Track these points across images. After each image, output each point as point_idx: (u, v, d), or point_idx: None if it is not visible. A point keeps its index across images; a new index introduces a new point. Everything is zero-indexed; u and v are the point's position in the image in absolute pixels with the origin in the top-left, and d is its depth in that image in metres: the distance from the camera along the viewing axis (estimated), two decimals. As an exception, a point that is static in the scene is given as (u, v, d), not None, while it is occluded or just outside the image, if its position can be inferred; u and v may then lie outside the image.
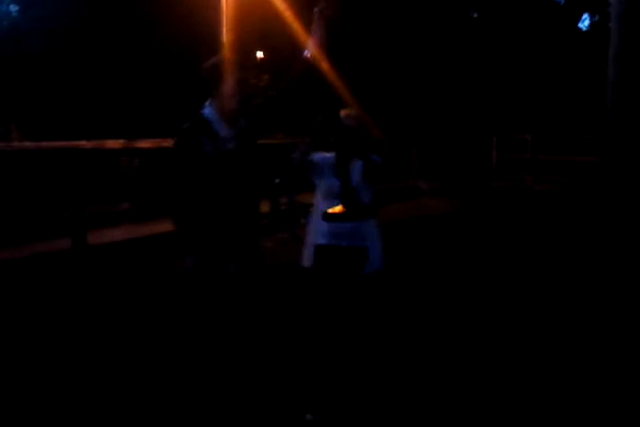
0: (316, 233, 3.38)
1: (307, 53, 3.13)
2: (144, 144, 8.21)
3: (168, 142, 9.55)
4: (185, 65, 13.60)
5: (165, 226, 8.03)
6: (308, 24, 3.25)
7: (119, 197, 8.79)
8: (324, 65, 3.23)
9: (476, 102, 17.41)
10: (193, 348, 3.32)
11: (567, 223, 9.63)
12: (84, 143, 7.45)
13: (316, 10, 3.08)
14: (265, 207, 9.16)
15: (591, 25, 22.06)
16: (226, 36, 9.83)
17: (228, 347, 3.14)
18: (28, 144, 8.79)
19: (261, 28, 14.60)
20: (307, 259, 3.43)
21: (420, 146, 14.32)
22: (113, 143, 7.85)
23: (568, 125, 15.82)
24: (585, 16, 22.09)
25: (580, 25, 22.49)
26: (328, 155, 3.43)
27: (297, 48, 3.22)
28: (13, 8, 19.49)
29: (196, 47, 13.94)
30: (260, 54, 15.81)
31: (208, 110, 3.01)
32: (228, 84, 2.96)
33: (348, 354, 3.36)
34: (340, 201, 3.30)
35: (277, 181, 8.74)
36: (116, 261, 7.07)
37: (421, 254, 7.34)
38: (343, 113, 3.46)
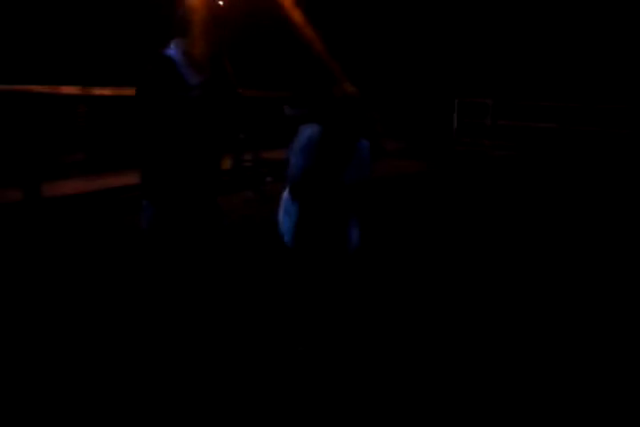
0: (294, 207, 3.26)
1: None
2: (102, 91, 7.73)
3: (128, 90, 9.17)
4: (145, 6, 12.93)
5: (120, 179, 7.80)
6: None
7: (74, 148, 8.31)
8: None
9: (440, 65, 17.23)
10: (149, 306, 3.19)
11: (527, 189, 9.70)
12: (37, 88, 6.93)
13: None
14: (228, 164, 8.88)
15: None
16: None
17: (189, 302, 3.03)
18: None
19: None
20: (287, 234, 3.32)
21: (384, 106, 14.09)
22: (69, 89, 7.34)
23: (528, 92, 15.86)
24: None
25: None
26: (314, 132, 3.17)
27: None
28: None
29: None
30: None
31: (174, 52, 2.74)
32: (207, 24, 2.70)
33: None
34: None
35: (242, 136, 8.43)
36: (69, 214, 6.72)
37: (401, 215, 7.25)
38: (342, 89, 3.21)
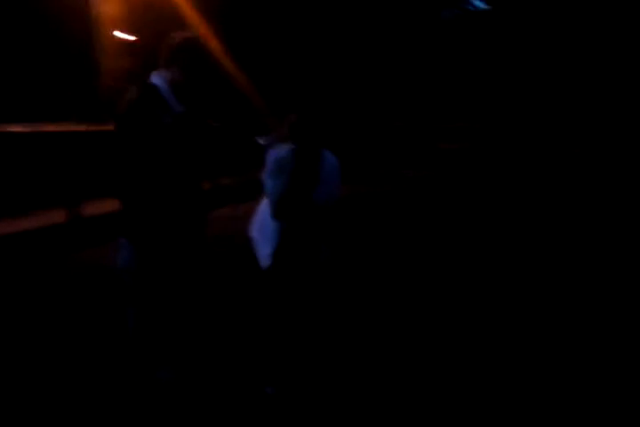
0: (271, 226, 3.27)
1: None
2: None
3: (44, 127, 9.07)
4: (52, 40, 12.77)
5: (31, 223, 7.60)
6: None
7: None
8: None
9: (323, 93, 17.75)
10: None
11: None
12: None
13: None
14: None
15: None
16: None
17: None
18: None
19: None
20: (263, 255, 3.31)
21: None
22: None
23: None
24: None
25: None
26: (283, 153, 3.25)
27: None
28: None
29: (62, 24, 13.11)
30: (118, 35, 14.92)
31: (159, 81, 2.82)
32: (189, 64, 2.84)
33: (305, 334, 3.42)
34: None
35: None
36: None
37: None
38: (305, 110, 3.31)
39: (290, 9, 17.23)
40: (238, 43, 14.43)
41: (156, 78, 2.85)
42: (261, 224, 3.33)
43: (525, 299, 5.18)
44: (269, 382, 3.38)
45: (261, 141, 3.30)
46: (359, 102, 17.19)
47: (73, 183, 8.10)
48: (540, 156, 14.49)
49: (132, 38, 15.25)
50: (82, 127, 9.72)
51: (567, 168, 13.84)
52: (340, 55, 17.78)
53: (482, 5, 21.67)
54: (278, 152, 3.23)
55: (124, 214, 2.80)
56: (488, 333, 4.46)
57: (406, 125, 16.08)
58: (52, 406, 3.28)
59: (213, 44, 12.38)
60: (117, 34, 14.65)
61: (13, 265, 6.06)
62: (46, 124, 9.70)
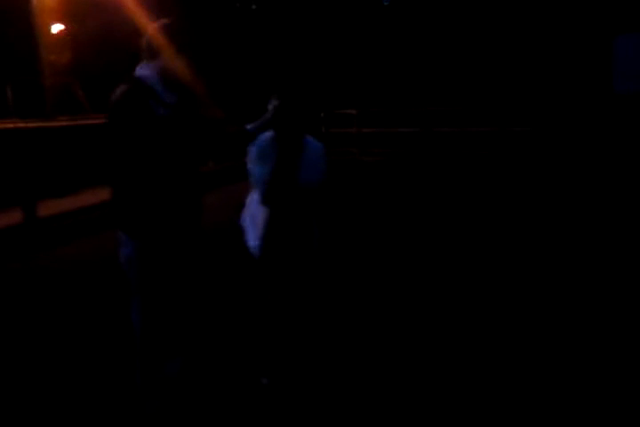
0: (260, 214, 3.28)
1: None
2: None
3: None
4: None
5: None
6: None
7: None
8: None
9: (304, 80, 17.71)
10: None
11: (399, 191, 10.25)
12: None
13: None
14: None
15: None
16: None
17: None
18: None
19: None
20: (253, 244, 3.32)
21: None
22: None
23: (389, 100, 16.68)
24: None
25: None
26: (265, 140, 3.28)
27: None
28: None
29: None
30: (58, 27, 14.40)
31: (147, 73, 2.72)
32: (178, 47, 2.71)
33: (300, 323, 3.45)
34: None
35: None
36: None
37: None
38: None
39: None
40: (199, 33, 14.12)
41: (143, 71, 2.75)
42: (252, 214, 3.37)
43: (507, 290, 5.17)
44: (264, 373, 3.43)
45: (250, 128, 3.23)
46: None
47: (24, 183, 7.72)
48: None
49: (67, 30, 14.69)
50: (23, 124, 9.29)
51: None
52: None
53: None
54: (260, 140, 3.26)
55: (121, 208, 2.73)
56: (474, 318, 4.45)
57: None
58: (57, 397, 3.28)
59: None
60: (56, 26, 14.11)
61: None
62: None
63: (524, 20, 17.34)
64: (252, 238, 3.33)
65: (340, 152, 15.11)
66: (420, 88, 17.29)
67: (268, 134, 3.27)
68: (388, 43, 19.20)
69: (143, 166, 2.65)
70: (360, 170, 13.40)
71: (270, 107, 3.24)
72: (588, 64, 15.83)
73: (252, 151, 3.27)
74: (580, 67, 16.07)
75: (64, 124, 10.21)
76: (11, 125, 9.00)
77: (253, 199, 3.36)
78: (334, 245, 6.44)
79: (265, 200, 3.25)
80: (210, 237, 3.11)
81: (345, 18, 19.36)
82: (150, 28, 2.76)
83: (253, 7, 21.00)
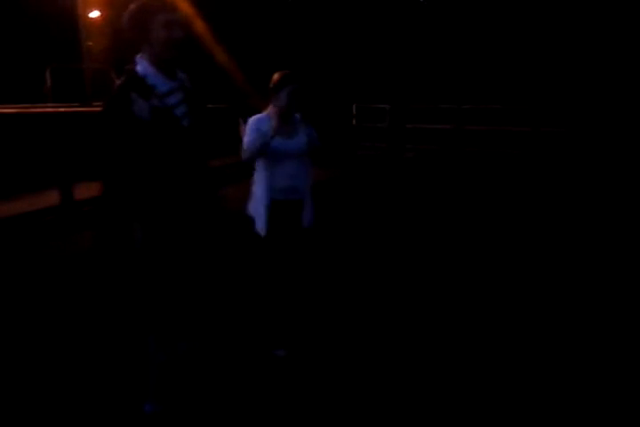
0: (268, 191, 3.50)
1: None
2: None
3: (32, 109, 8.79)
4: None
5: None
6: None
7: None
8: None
9: (336, 71, 17.67)
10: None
11: (437, 186, 10.19)
12: None
13: None
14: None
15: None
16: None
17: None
18: None
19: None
20: (259, 219, 3.54)
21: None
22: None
23: (424, 96, 16.54)
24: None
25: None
26: (262, 116, 3.51)
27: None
28: None
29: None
30: (97, 14, 14.59)
31: (141, 65, 2.69)
32: (158, 29, 2.63)
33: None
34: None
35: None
36: None
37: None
38: (283, 73, 3.49)
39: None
40: (222, 21, 14.18)
41: (140, 61, 2.73)
42: (255, 204, 3.59)
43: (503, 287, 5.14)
44: (279, 345, 3.64)
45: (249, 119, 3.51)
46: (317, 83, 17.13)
47: (62, 166, 7.85)
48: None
49: (105, 17, 14.85)
50: (62, 108, 9.43)
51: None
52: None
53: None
54: (255, 117, 3.52)
55: (123, 196, 2.76)
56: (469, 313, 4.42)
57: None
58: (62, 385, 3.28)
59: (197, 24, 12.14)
60: (95, 13, 14.29)
61: None
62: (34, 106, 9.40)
63: (565, 21, 17.09)
64: (259, 222, 3.54)
65: (368, 147, 15.07)
66: (455, 85, 17.11)
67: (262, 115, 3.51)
68: (425, 39, 19.05)
69: (138, 158, 2.66)
70: (387, 165, 13.35)
71: (284, 94, 3.40)
72: (625, 65, 15.54)
73: (248, 124, 3.49)
74: (618, 68, 15.78)
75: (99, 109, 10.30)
76: (50, 109, 9.15)
77: (255, 191, 3.58)
78: (341, 241, 6.47)
79: (248, 159, 3.47)
80: (225, 225, 3.17)
81: (381, 13, 19.24)
82: (130, 11, 2.69)
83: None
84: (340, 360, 3.61)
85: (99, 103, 11.25)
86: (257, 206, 3.54)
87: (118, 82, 2.74)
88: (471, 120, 14.51)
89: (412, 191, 9.84)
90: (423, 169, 12.69)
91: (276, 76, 3.46)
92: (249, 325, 3.92)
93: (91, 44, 13.82)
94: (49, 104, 10.58)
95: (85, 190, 7.77)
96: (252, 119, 3.50)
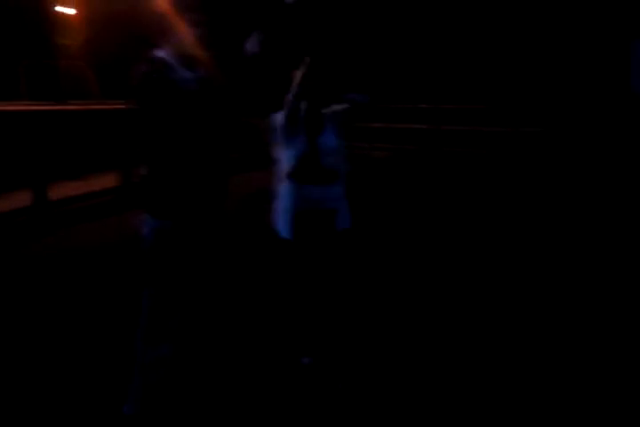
0: (291, 199, 3.28)
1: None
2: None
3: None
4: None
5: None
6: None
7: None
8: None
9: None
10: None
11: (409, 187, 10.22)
12: None
13: None
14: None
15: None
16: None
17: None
18: None
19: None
20: (283, 228, 3.31)
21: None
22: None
23: (399, 96, 16.57)
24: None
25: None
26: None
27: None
28: None
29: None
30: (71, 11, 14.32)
31: (163, 53, 2.68)
32: (184, 27, 2.66)
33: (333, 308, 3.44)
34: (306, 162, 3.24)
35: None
36: None
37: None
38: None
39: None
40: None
41: (159, 52, 2.70)
42: (280, 208, 3.36)
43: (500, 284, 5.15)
44: (305, 353, 3.44)
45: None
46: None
47: (35, 165, 7.71)
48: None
49: (79, 14, 14.61)
50: (35, 106, 9.27)
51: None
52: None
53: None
54: (279, 121, 3.25)
55: (150, 185, 2.71)
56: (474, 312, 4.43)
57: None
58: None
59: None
60: (69, 10, 14.05)
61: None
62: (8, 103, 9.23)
63: (543, 21, 17.22)
64: (284, 226, 3.31)
65: (349, 146, 15.00)
66: (433, 85, 17.17)
67: (280, 115, 3.26)
68: (401, 37, 19.08)
69: (175, 143, 2.62)
70: (368, 164, 13.35)
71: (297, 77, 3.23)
72: (606, 66, 15.72)
73: (277, 134, 3.27)
74: (596, 69, 15.95)
75: (76, 107, 10.19)
76: (23, 108, 9.00)
77: (279, 196, 3.36)
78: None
79: (295, 176, 3.25)
80: (231, 221, 3.09)
81: (356, 9, 19.21)
82: (158, 5, 2.69)
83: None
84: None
85: (74, 101, 11.14)
86: (281, 210, 3.34)
87: (143, 66, 2.65)
88: (448, 120, 14.59)
89: (381, 191, 9.83)
90: (396, 169, 12.73)
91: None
92: (263, 330, 3.87)
93: (65, 41, 13.62)
94: (22, 102, 10.41)
95: (60, 190, 7.67)
96: (279, 128, 3.29)
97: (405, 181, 10.97)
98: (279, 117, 3.27)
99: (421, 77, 17.66)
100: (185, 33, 2.67)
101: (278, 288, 3.56)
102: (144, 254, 2.74)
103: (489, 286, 4.99)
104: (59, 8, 13.83)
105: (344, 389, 3.29)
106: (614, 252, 5.91)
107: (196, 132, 2.68)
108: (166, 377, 2.93)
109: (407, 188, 10.23)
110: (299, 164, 3.25)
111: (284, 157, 3.29)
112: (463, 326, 4.18)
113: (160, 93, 2.57)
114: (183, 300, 2.86)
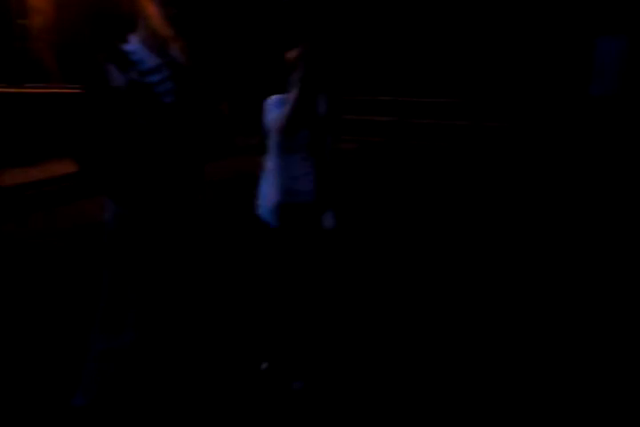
0: (279, 190, 3.15)
1: None
2: None
3: None
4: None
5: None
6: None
7: None
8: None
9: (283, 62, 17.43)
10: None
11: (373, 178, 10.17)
12: None
13: None
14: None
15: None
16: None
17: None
18: None
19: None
20: (271, 217, 3.18)
21: (234, 100, 13.93)
22: None
23: (368, 88, 16.54)
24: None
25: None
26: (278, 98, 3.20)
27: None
28: None
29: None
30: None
31: (131, 41, 2.61)
32: (151, 10, 2.56)
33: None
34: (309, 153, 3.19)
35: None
36: None
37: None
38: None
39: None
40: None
41: (131, 38, 2.64)
42: (263, 194, 3.25)
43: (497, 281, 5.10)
44: (296, 377, 3.27)
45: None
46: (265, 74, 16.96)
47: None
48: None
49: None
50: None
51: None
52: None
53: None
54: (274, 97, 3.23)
55: (104, 172, 2.62)
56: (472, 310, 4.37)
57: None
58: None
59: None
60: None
61: None
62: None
63: (509, 17, 17.33)
64: (265, 214, 3.19)
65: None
66: (400, 78, 17.15)
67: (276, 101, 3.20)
68: (372, 32, 19.03)
69: (113, 132, 2.54)
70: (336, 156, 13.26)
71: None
72: (570, 65, 15.91)
73: (269, 102, 3.23)
74: (560, 67, 16.14)
75: (33, 90, 9.83)
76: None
77: (262, 184, 3.25)
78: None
79: (285, 132, 3.14)
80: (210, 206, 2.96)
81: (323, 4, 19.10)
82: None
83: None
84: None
85: (31, 84, 10.75)
86: (265, 195, 3.22)
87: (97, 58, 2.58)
88: (417, 114, 14.63)
89: (355, 182, 9.78)
90: (365, 160, 12.68)
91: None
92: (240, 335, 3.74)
93: (24, 21, 13.16)
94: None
95: (14, 176, 7.39)
96: (273, 98, 3.23)
97: (373, 173, 10.91)
98: (274, 106, 3.18)
99: (389, 71, 17.65)
100: (155, 13, 2.58)
101: (256, 277, 3.45)
102: (106, 239, 2.68)
103: (470, 283, 4.95)
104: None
105: (303, 390, 3.19)
106: (562, 242, 5.95)
107: (152, 114, 2.57)
108: (122, 368, 2.81)
109: (376, 179, 10.18)
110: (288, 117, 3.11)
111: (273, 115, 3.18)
112: (449, 322, 4.11)
113: (97, 87, 2.52)
114: (144, 286, 2.75)
